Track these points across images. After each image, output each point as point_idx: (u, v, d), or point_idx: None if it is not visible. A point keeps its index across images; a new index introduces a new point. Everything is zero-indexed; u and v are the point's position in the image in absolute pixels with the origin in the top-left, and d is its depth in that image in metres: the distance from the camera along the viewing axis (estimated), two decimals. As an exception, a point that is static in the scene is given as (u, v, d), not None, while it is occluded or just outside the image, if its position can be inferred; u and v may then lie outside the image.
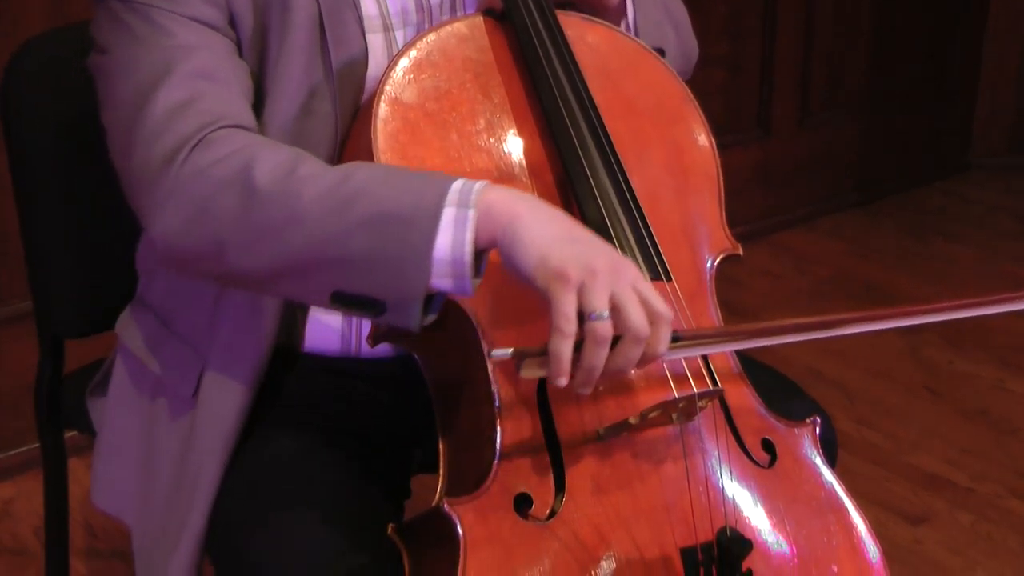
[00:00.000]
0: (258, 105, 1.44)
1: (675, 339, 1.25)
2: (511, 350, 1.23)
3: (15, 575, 2.50)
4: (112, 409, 1.64)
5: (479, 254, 1.25)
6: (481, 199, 1.24)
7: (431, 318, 1.28)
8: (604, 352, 1.20)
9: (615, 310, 1.20)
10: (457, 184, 1.25)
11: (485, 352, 1.32)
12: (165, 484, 1.53)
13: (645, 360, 1.23)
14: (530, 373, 1.24)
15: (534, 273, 1.21)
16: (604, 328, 1.19)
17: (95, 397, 1.71)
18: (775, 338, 1.38)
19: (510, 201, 1.25)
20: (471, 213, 1.23)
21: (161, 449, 1.55)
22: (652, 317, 1.22)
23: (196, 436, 1.49)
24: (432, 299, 1.27)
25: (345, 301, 1.28)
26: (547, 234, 1.23)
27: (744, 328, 1.37)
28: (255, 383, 1.48)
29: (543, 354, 1.21)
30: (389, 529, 1.37)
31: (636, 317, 1.20)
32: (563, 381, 1.20)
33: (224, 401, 1.48)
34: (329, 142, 1.44)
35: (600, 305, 1.19)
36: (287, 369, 1.54)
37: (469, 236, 1.23)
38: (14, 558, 2.55)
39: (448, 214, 1.23)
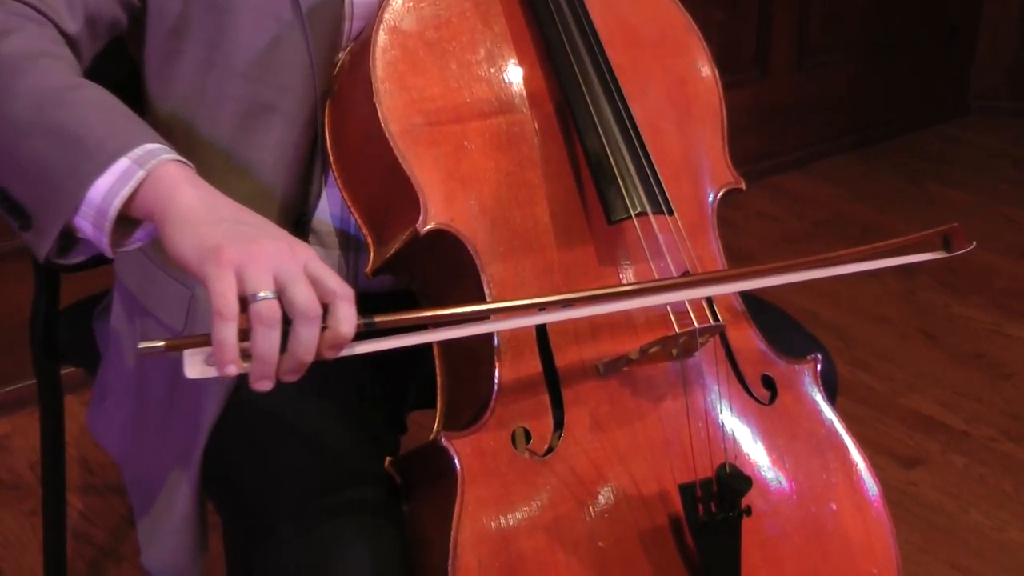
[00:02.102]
0: (204, 45, 1.43)
1: (370, 328, 1.16)
2: (163, 343, 1.11)
3: (12, 508, 2.51)
4: (110, 344, 1.64)
5: (133, 222, 1.22)
6: (158, 167, 1.20)
7: (76, 259, 1.26)
8: (273, 336, 1.11)
9: (280, 291, 1.12)
10: (149, 145, 1.22)
11: (484, 285, 1.31)
12: (156, 419, 1.52)
13: (332, 344, 1.14)
14: (197, 370, 1.12)
15: (189, 254, 1.15)
16: (267, 308, 1.11)
17: (101, 322, 1.71)
18: (484, 324, 1.26)
19: (183, 180, 1.20)
20: (140, 173, 1.20)
21: (151, 383, 1.54)
22: (325, 296, 1.14)
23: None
24: (82, 242, 1.25)
25: (3, 201, 1.25)
26: (207, 215, 1.17)
27: (447, 314, 1.24)
28: None
29: (206, 344, 1.11)
30: (386, 462, 1.37)
31: (302, 295, 1.12)
32: (232, 370, 1.10)
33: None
34: (303, 70, 1.42)
35: (261, 285, 1.11)
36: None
37: (125, 192, 1.19)
38: (10, 492, 2.56)
39: (122, 164, 1.20)
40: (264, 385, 1.13)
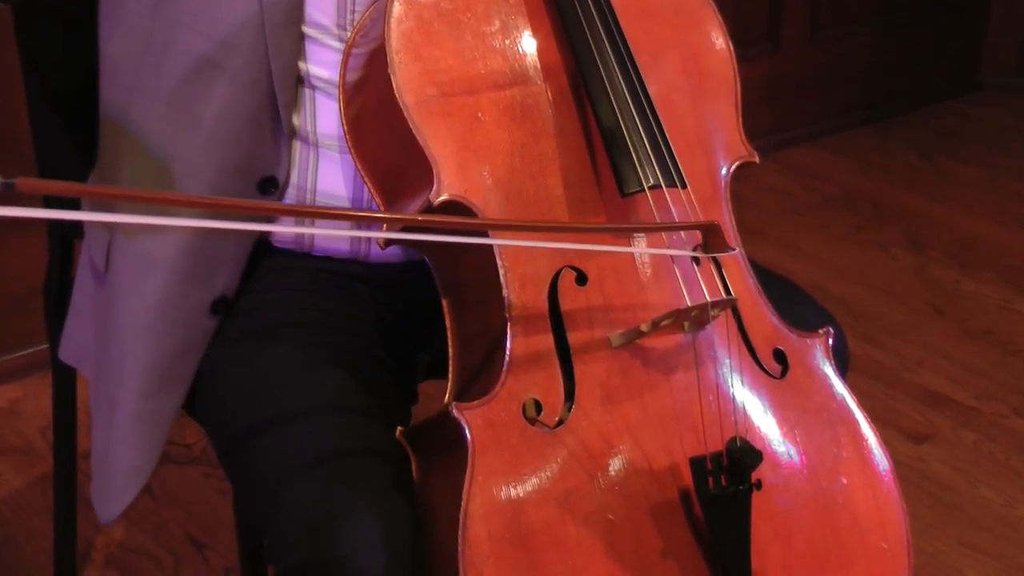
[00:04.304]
0: None
1: (8, 187, 0.99)
2: None
3: (22, 473, 2.52)
4: (78, 268, 1.71)
5: None
6: None
7: None
8: None
9: None
10: None
11: (497, 256, 1.31)
12: (98, 352, 1.58)
13: None
14: None
15: None
16: None
17: None
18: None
19: None
20: None
21: (95, 314, 1.60)
22: None
23: (113, 313, 1.51)
24: None
25: None
26: None
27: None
28: (185, 270, 1.48)
29: None
30: (397, 432, 1.37)
31: None
32: None
33: (139, 282, 1.49)
34: (253, 29, 1.42)
35: None
36: (294, 271, 1.54)
37: None
38: (22, 457, 2.57)
39: None
40: None
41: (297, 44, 1.47)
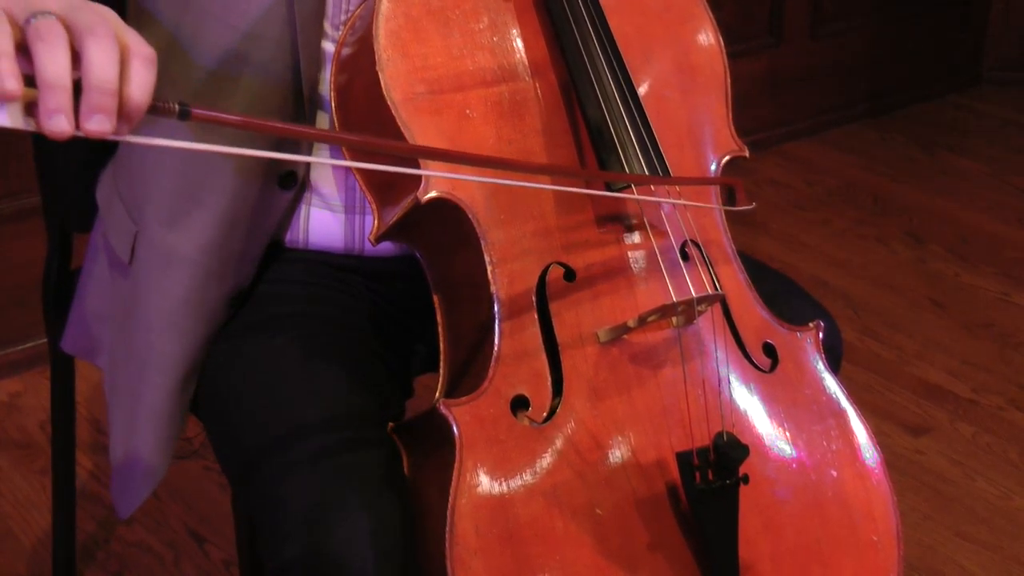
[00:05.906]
0: None
1: (184, 114, 1.00)
2: None
3: (21, 467, 2.53)
4: (88, 256, 1.70)
5: None
6: None
7: None
8: (58, 56, 0.94)
9: (67, 26, 0.96)
10: None
11: (485, 252, 1.32)
12: (118, 345, 1.58)
13: (128, 104, 0.98)
14: None
15: None
16: (44, 24, 0.95)
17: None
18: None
19: None
20: None
21: (114, 307, 1.60)
22: (121, 51, 0.98)
23: (138, 307, 1.51)
24: None
25: None
26: None
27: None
28: (207, 266, 1.49)
29: None
30: (388, 428, 1.38)
31: (87, 16, 0.97)
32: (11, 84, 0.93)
33: (163, 277, 1.49)
34: (279, 20, 1.43)
35: (38, 6, 0.96)
36: (291, 263, 1.55)
37: None
38: (21, 451, 2.58)
39: None
40: (58, 123, 0.95)
41: (321, 38, 1.47)
